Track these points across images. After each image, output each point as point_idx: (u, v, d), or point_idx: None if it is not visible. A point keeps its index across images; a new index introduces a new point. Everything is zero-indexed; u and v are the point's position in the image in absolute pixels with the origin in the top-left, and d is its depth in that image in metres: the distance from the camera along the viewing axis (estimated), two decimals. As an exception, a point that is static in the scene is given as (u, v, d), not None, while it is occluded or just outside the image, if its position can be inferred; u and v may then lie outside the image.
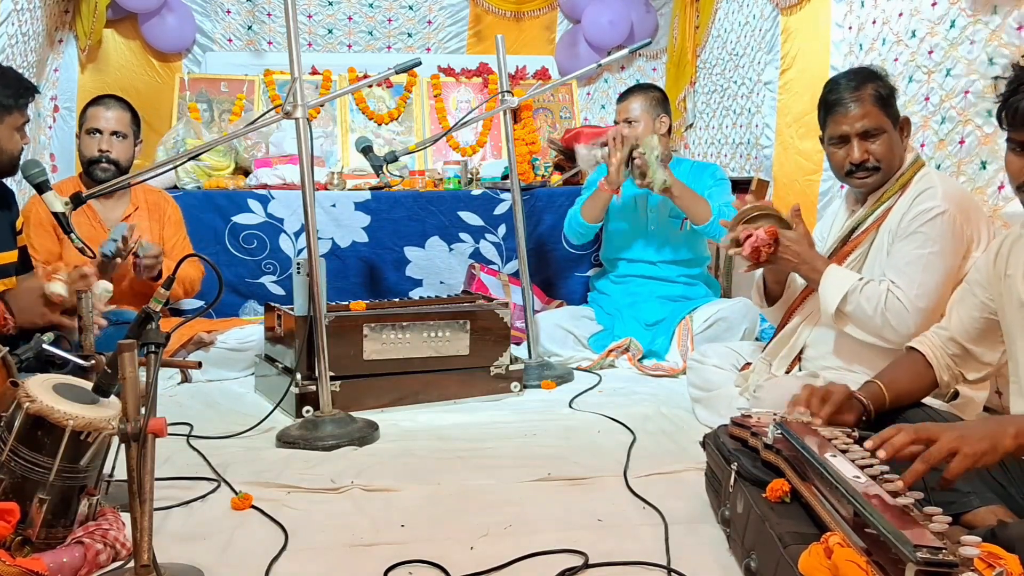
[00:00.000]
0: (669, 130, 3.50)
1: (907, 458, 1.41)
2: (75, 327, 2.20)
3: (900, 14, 2.96)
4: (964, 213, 2.10)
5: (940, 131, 2.73)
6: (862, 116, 2.17)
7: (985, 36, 2.53)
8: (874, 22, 3.15)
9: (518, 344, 3.42)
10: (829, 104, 2.24)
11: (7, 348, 1.77)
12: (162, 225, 3.25)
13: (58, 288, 2.25)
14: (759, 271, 2.47)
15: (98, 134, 3.08)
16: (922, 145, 2.80)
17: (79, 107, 3.52)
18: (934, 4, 2.77)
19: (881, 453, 1.42)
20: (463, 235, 3.88)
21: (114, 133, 3.09)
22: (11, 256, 2.44)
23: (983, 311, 1.81)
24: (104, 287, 2.33)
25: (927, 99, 2.81)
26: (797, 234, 2.23)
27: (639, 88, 3.57)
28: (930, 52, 2.79)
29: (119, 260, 2.81)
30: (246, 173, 4.02)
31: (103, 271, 2.82)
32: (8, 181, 2.47)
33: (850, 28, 3.30)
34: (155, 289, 1.74)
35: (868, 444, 1.48)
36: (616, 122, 3.50)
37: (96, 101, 3.18)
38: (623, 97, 3.52)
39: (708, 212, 3.24)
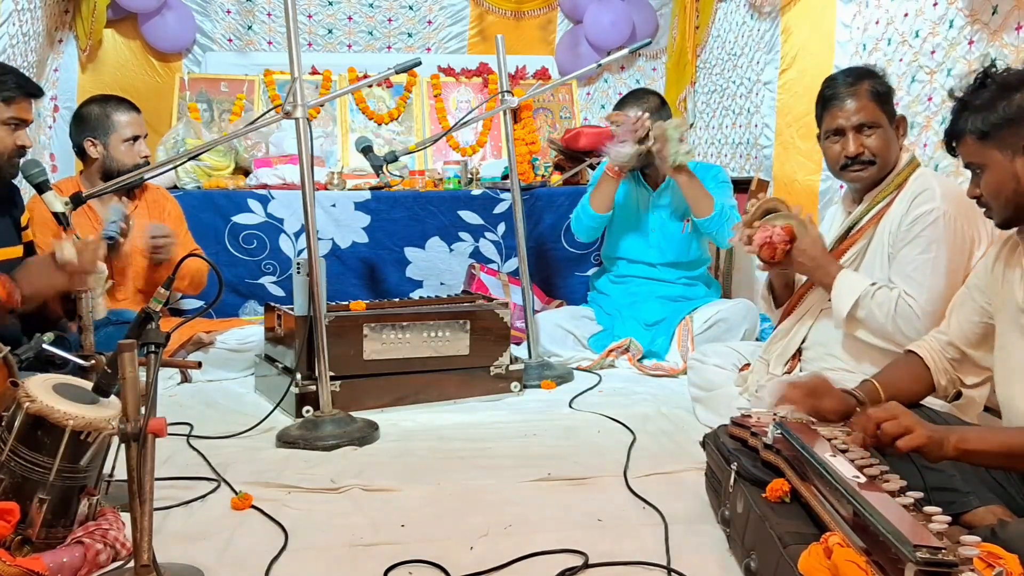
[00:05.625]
0: None
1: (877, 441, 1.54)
2: (84, 286, 2.20)
3: (906, 14, 2.96)
4: (963, 212, 2.11)
5: (940, 132, 2.73)
6: (858, 110, 2.20)
7: (986, 37, 2.54)
8: (878, 22, 3.14)
9: (518, 344, 3.42)
10: (826, 99, 2.27)
11: (8, 348, 1.77)
12: (162, 222, 3.24)
13: (68, 251, 2.21)
14: (763, 286, 2.49)
15: (135, 141, 3.11)
16: (924, 145, 2.81)
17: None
18: (935, 4, 2.77)
19: (856, 436, 1.53)
20: (463, 234, 3.88)
21: (144, 136, 3.16)
22: (15, 252, 2.45)
23: (982, 316, 1.82)
24: (99, 267, 2.32)
25: (930, 99, 2.81)
26: (812, 238, 2.24)
27: (633, 98, 3.50)
28: (932, 52, 2.79)
29: (121, 241, 2.85)
30: (246, 173, 4.02)
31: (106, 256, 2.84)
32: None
33: (857, 28, 3.30)
34: (157, 288, 1.74)
35: (848, 438, 1.57)
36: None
37: (118, 107, 3.13)
38: (618, 107, 3.48)
39: (711, 206, 3.23)
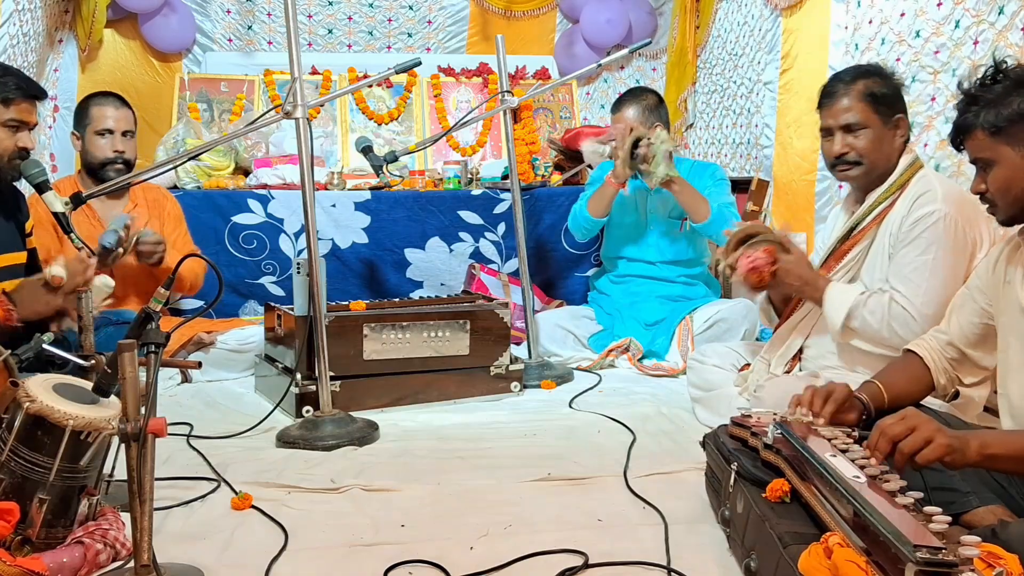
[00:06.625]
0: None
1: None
2: (77, 311, 2.19)
3: (903, 14, 2.96)
4: (964, 215, 2.10)
5: (944, 131, 2.73)
6: (846, 110, 2.20)
7: (991, 37, 2.53)
8: (871, 22, 3.14)
9: (518, 344, 3.42)
10: (823, 96, 2.29)
11: (9, 351, 1.76)
12: (162, 221, 3.24)
13: (57, 269, 2.19)
14: (762, 296, 2.49)
15: (109, 135, 3.07)
16: (925, 145, 2.80)
17: (77, 106, 3.49)
18: (940, 4, 2.77)
19: (873, 461, 1.46)
20: (463, 234, 3.88)
21: (124, 133, 3.10)
22: (19, 257, 2.43)
23: (983, 316, 1.81)
24: (104, 282, 2.30)
25: (933, 99, 2.81)
26: (795, 257, 2.25)
27: (631, 97, 3.51)
28: (936, 52, 2.79)
29: (120, 252, 2.80)
30: (246, 173, 4.02)
31: (102, 263, 2.82)
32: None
33: (847, 28, 3.30)
34: (156, 288, 1.74)
35: (863, 449, 1.51)
36: None
37: (99, 100, 3.13)
38: (616, 107, 3.50)
39: (707, 211, 3.24)
